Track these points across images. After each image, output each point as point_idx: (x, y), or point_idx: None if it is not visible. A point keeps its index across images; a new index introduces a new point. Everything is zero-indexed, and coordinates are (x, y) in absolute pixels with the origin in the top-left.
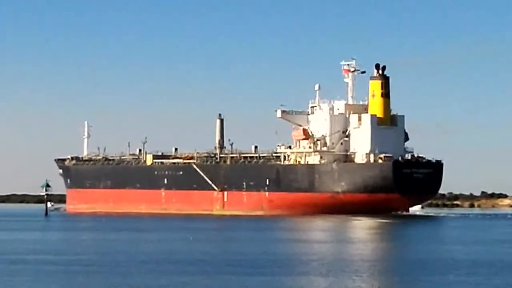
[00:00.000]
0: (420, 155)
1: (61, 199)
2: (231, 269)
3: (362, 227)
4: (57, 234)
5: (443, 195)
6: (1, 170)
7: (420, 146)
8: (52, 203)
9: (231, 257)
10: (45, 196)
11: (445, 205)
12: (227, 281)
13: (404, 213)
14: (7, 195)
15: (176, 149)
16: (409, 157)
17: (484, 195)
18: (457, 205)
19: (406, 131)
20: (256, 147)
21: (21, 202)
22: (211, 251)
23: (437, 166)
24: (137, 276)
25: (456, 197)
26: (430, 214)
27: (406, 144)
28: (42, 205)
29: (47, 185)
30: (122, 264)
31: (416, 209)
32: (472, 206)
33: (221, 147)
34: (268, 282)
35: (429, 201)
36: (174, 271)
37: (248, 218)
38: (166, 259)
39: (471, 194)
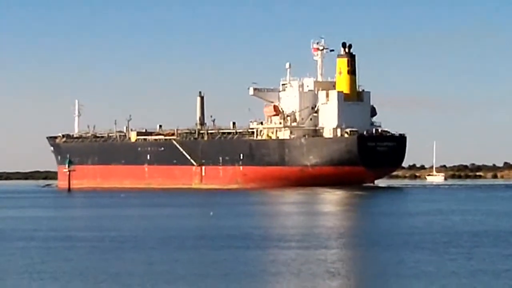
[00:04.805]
0: (385, 130)
1: (54, 176)
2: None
3: (327, 199)
4: (90, 211)
5: (466, 166)
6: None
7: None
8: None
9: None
10: (68, 173)
11: (467, 176)
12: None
13: (371, 184)
14: (31, 172)
15: (160, 126)
16: (374, 132)
17: (507, 165)
18: (480, 176)
19: (374, 106)
20: (234, 123)
21: (44, 178)
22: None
23: (400, 140)
24: (198, 250)
25: (479, 168)
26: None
27: (374, 119)
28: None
29: (70, 162)
30: (175, 239)
31: (439, 181)
32: (495, 177)
33: (202, 123)
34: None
35: (452, 172)
36: (224, 245)
37: (224, 192)
38: (213, 234)
39: (494, 165)
